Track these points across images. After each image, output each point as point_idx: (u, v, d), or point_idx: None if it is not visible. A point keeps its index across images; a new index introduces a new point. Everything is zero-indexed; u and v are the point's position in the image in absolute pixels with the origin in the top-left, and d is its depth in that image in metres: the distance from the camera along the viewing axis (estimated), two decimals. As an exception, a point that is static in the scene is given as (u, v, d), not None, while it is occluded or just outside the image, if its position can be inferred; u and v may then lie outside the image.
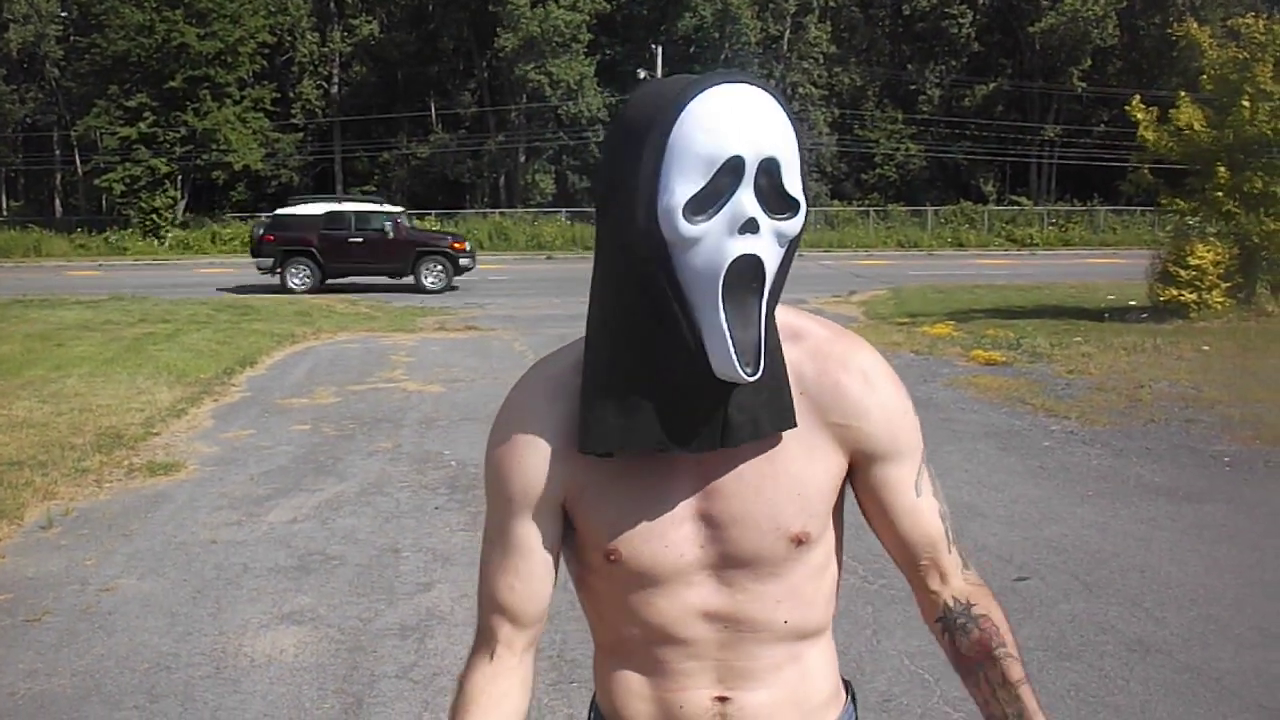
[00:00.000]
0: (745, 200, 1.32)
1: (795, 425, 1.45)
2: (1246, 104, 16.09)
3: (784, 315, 1.49)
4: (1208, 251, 16.55)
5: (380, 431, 9.57)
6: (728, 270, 1.32)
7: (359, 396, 11.32)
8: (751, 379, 1.34)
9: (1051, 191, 51.61)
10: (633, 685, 1.58)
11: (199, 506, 7.26)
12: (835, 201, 50.57)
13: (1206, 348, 13.45)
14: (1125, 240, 41.58)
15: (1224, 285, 16.62)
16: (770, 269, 1.35)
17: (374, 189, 52.32)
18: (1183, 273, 16.57)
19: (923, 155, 52.34)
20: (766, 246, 1.34)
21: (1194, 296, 16.43)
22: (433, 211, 46.89)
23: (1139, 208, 41.86)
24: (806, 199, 1.38)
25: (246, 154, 43.55)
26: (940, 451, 8.42)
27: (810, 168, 40.14)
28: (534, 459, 1.50)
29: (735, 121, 1.32)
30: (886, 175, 52.68)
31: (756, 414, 1.42)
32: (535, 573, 1.53)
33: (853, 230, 45.87)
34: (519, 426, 1.52)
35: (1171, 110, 17.17)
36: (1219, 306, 16.48)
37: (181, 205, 45.10)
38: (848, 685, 1.71)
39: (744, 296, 1.34)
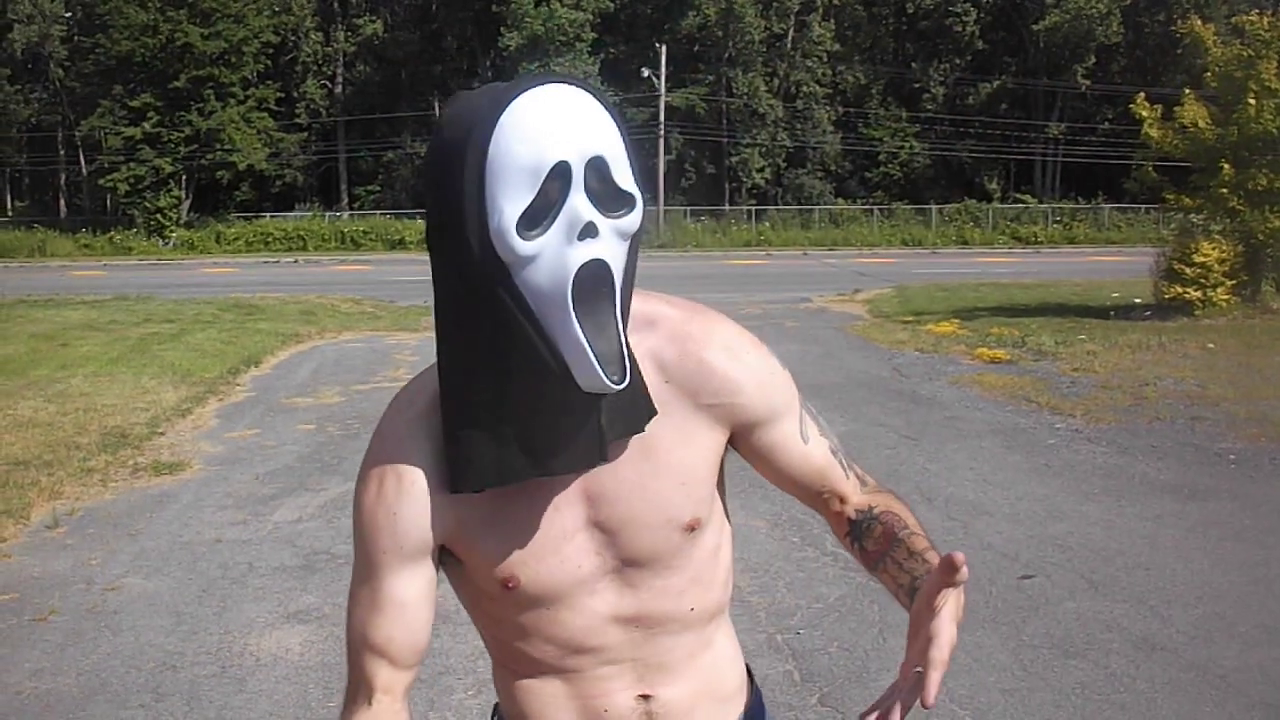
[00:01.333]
0: (579, 204, 1.26)
1: (656, 413, 1.41)
2: (1252, 101, 16.06)
3: (634, 302, 1.42)
4: (1213, 249, 16.53)
5: (385, 430, 9.55)
6: (574, 280, 1.26)
7: (364, 396, 11.32)
8: (619, 387, 1.29)
9: (1056, 189, 51.52)
10: (550, 692, 1.56)
11: (204, 506, 7.27)
12: (839, 200, 50.54)
13: (1212, 345, 13.43)
14: (1130, 238, 41.57)
15: (1229, 283, 16.60)
16: (617, 270, 1.30)
17: (378, 189, 52.45)
18: (1188, 270, 16.55)
19: (927, 153, 52.28)
20: (608, 248, 1.28)
21: (1199, 294, 16.41)
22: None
23: (1144, 205, 41.82)
24: (640, 189, 1.33)
25: (250, 154, 43.60)
26: (945, 449, 8.42)
27: (815, 166, 40.01)
28: (404, 510, 1.44)
29: (552, 126, 1.26)
30: (890, 173, 52.62)
31: (626, 415, 1.39)
32: (413, 622, 1.48)
33: (857, 228, 45.90)
34: (387, 476, 1.46)
35: (1176, 108, 17.15)
36: (1224, 304, 16.46)
37: (186, 205, 45.15)
38: (749, 670, 1.72)
39: (596, 303, 1.28)
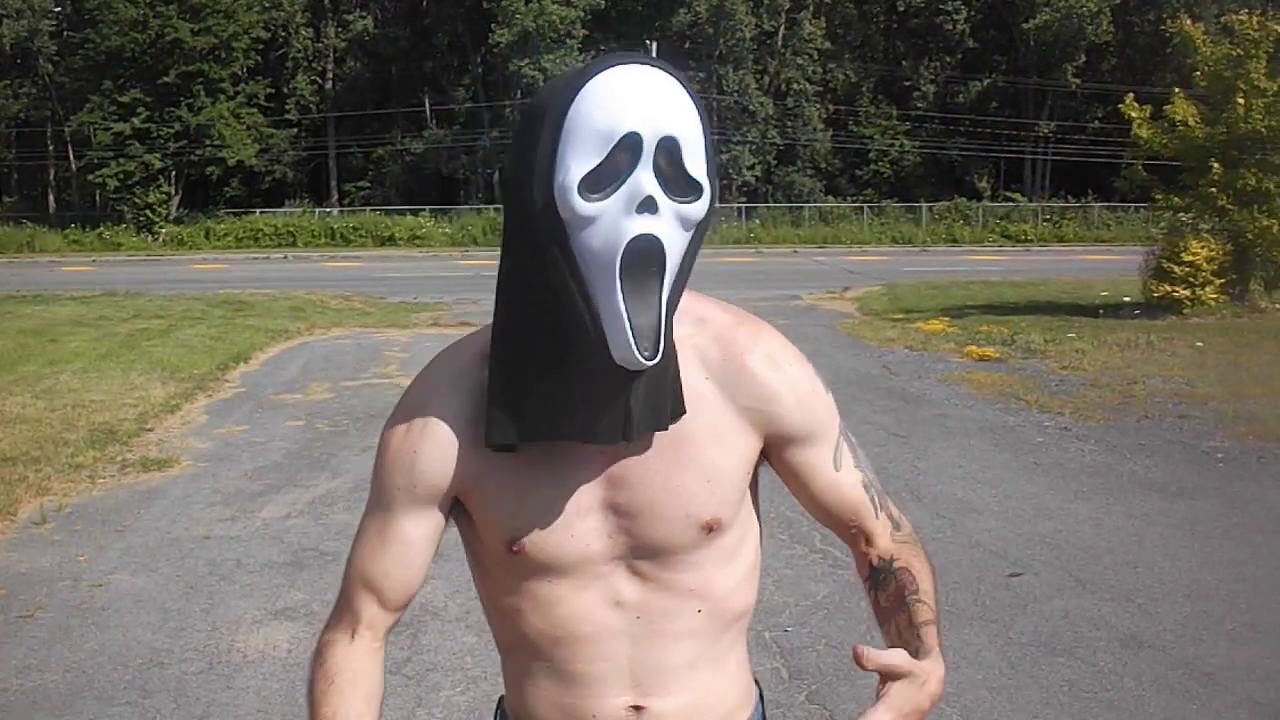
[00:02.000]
0: (643, 179, 1.29)
1: (683, 412, 1.42)
2: (1241, 100, 16.09)
3: (686, 301, 1.45)
4: (1202, 248, 16.57)
5: (374, 427, 9.54)
6: (625, 250, 1.29)
7: (353, 392, 11.31)
8: (650, 364, 1.31)
9: (1046, 188, 51.60)
10: (542, 690, 1.56)
11: (192, 502, 7.25)
12: (829, 197, 50.59)
13: (1200, 344, 13.46)
14: (1119, 236, 41.62)
15: (1218, 281, 16.65)
16: (671, 252, 1.31)
17: (368, 185, 52.37)
18: (1177, 269, 16.59)
19: (917, 151, 52.33)
20: (667, 228, 1.30)
21: (1188, 293, 16.46)
22: (427, 207, 46.90)
23: (1133, 204, 41.86)
24: (713, 184, 1.35)
25: (240, 150, 43.48)
26: (934, 447, 8.43)
27: (805, 163, 39.98)
28: (427, 452, 1.48)
29: (633, 99, 1.29)
30: (881, 171, 52.68)
31: (658, 405, 1.40)
32: (412, 562, 1.53)
33: (847, 226, 45.91)
34: (416, 418, 1.50)
35: (1166, 107, 17.18)
36: (1213, 303, 16.51)
37: (175, 201, 45.03)
38: (756, 683, 1.70)
39: (644, 279, 1.30)
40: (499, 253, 1.44)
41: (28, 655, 4.80)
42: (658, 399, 1.39)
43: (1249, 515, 6.68)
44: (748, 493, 1.55)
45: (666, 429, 1.42)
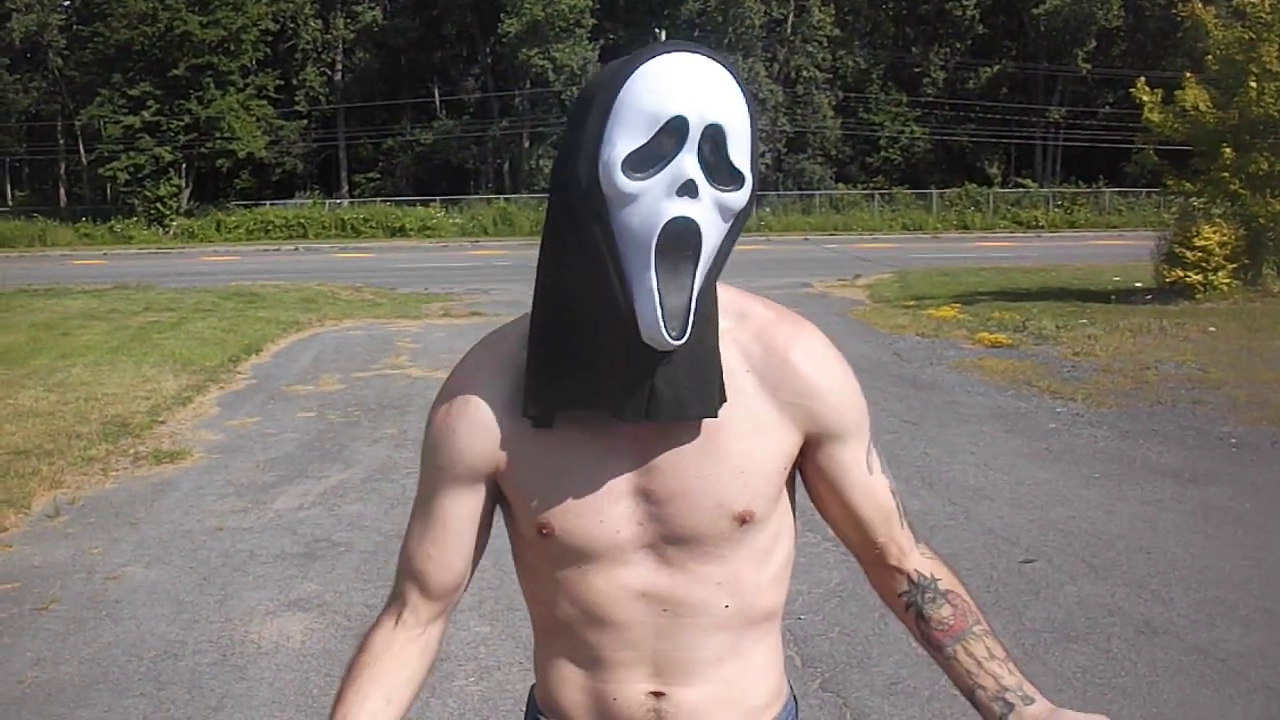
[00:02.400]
0: (686, 162, 1.31)
1: (715, 415, 1.42)
2: (1253, 84, 16.00)
3: (729, 296, 1.49)
4: (1214, 233, 16.50)
5: (385, 418, 9.57)
6: (662, 231, 1.31)
7: (364, 383, 11.32)
8: (676, 343, 1.33)
9: (1057, 173, 51.43)
10: (567, 674, 1.57)
11: (205, 494, 7.27)
12: (840, 185, 50.43)
13: (1213, 329, 13.42)
14: (1131, 222, 41.52)
15: (1230, 266, 16.57)
16: (708, 237, 1.33)
17: (378, 176, 52.40)
18: (1189, 254, 16.52)
19: (927, 138, 52.18)
20: (705, 214, 1.32)
21: (1200, 278, 16.39)
22: (437, 198, 46.92)
23: (1145, 189, 41.76)
24: (755, 176, 1.36)
25: (250, 141, 43.51)
26: (946, 434, 8.42)
27: (815, 151, 39.87)
28: (468, 429, 1.50)
29: (683, 84, 1.31)
30: (891, 158, 52.54)
31: (685, 394, 1.40)
32: (452, 544, 1.55)
33: (857, 214, 45.79)
34: (458, 398, 1.52)
35: (1177, 91, 17.10)
36: (1225, 288, 16.44)
37: (186, 194, 45.06)
38: (791, 691, 1.69)
39: (678, 261, 1.32)
40: (540, 235, 1.46)
41: (43, 648, 4.82)
42: (694, 384, 1.40)
43: (1262, 500, 6.66)
44: (785, 492, 1.54)
45: (692, 418, 1.42)
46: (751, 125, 1.36)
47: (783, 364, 1.48)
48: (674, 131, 1.30)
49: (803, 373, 1.48)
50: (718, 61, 1.34)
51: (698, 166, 1.31)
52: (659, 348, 1.33)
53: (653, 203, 1.31)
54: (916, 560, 1.59)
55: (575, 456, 1.46)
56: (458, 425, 1.50)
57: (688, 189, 1.30)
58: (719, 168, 1.33)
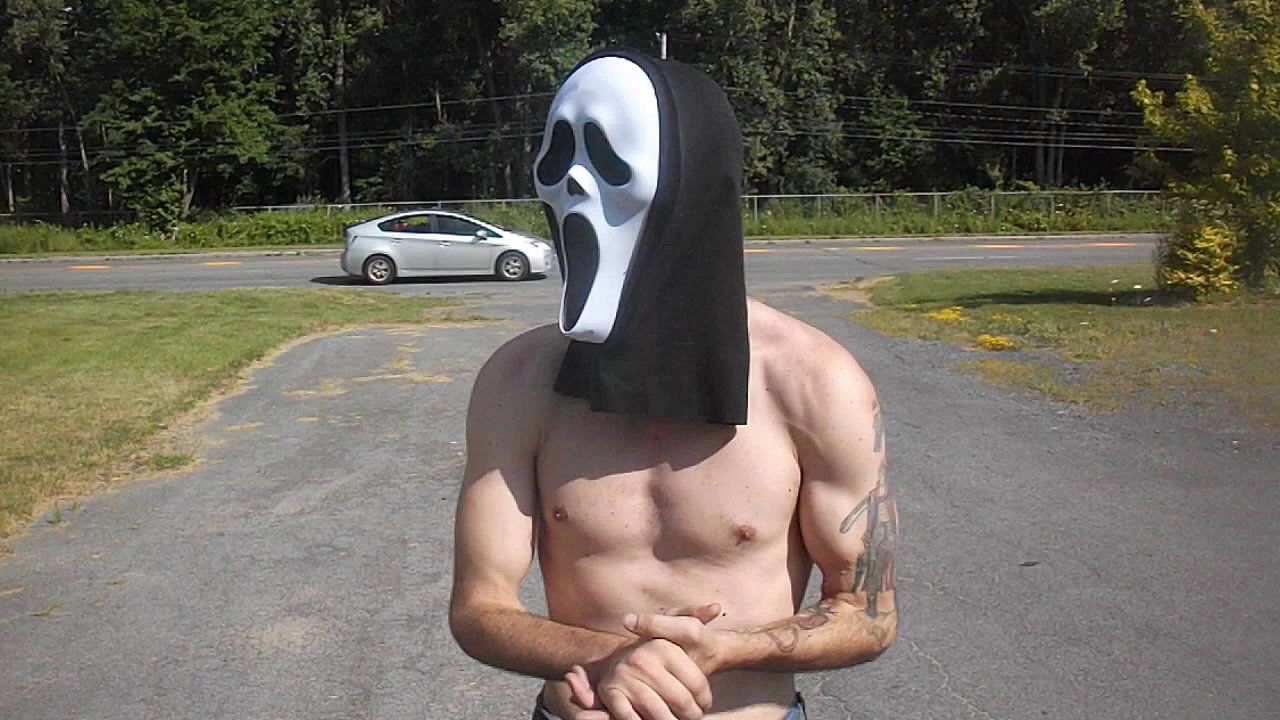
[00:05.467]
0: (574, 162, 1.39)
1: (691, 416, 1.43)
2: (1254, 86, 16.02)
3: (771, 318, 1.53)
4: (1215, 235, 16.51)
5: (387, 423, 9.57)
6: (563, 229, 1.41)
7: (365, 388, 11.32)
8: (566, 333, 1.40)
9: (1058, 176, 51.42)
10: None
11: (206, 499, 7.27)
12: (841, 188, 50.46)
13: (1214, 331, 13.41)
14: (1132, 224, 41.52)
15: (1231, 268, 16.58)
16: (601, 233, 1.38)
17: (379, 180, 52.41)
18: (1190, 256, 16.53)
19: (929, 141, 52.18)
20: (597, 210, 1.38)
21: (1201, 280, 16.39)
22: (439, 202, 46.92)
23: (1146, 191, 41.68)
24: (667, 168, 1.36)
25: (252, 147, 43.54)
26: (948, 436, 8.41)
27: (816, 154, 39.83)
28: (510, 404, 1.56)
29: (570, 89, 1.40)
30: (893, 161, 52.54)
31: (645, 388, 1.43)
32: (502, 522, 1.55)
33: (859, 217, 45.77)
34: (498, 378, 1.59)
35: (1178, 93, 17.11)
36: (1226, 289, 16.45)
37: (188, 199, 45.09)
38: (797, 695, 1.67)
39: (580, 256, 1.40)
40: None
41: (43, 653, 4.82)
42: (644, 382, 1.43)
43: (1265, 502, 6.65)
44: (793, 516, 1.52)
45: (690, 418, 1.44)
46: (664, 118, 1.37)
47: (798, 389, 1.48)
48: (563, 135, 1.40)
49: (813, 402, 1.47)
50: (627, 59, 1.39)
51: (586, 165, 1.38)
52: (566, 335, 1.41)
53: (559, 204, 1.41)
54: (839, 600, 1.53)
55: (597, 446, 1.50)
56: (501, 399, 1.57)
57: (574, 187, 1.38)
58: (604, 163, 1.37)
